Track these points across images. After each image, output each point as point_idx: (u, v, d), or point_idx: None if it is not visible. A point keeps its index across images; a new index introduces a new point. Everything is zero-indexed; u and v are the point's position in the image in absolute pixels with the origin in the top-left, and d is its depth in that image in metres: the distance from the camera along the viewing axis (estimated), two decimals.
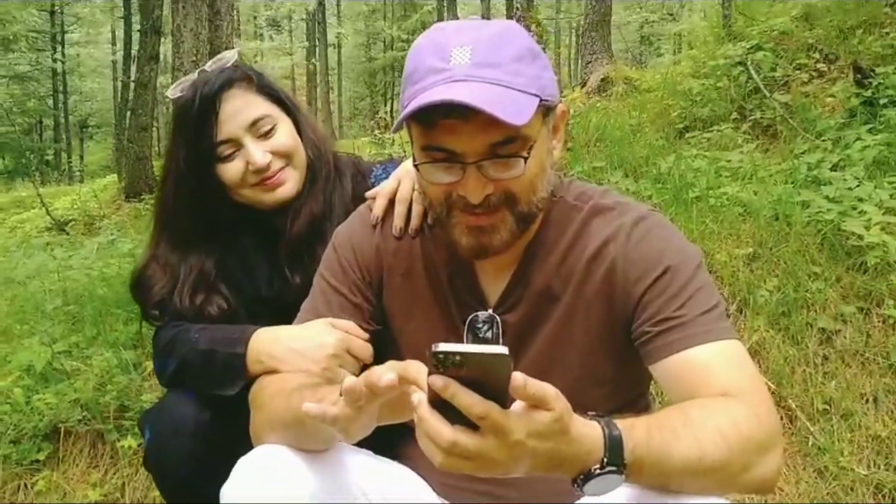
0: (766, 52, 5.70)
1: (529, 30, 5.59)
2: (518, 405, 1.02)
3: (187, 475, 1.86)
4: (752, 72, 5.53)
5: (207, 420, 1.86)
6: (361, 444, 1.45)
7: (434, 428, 1.01)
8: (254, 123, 1.90)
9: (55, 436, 3.25)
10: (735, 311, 3.23)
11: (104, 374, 3.38)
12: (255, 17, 40.14)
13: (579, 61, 13.08)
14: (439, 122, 1.27)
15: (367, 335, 1.60)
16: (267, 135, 1.92)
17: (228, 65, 1.97)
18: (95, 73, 36.87)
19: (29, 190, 14.68)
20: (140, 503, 3.06)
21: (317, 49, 33.58)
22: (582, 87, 10.13)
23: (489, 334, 1.50)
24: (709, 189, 4.01)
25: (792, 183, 3.96)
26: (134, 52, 15.58)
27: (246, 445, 1.42)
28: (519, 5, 6.09)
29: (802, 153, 4.44)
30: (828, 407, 2.85)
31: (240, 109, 1.90)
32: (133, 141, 12.52)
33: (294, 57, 38.39)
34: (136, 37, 15.65)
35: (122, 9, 19.46)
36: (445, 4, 16.67)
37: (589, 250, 1.45)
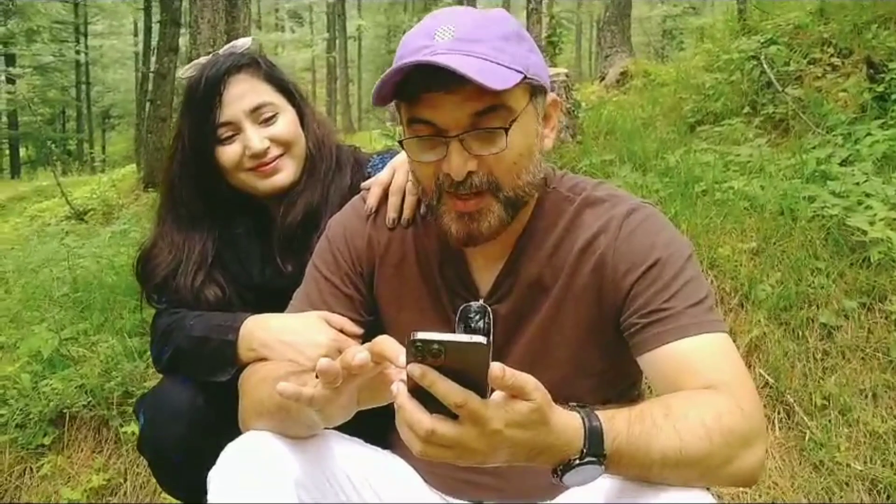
0: (780, 47, 5.66)
1: (539, 22, 5.60)
2: (497, 395, 1.03)
3: (180, 460, 1.88)
4: (766, 66, 5.49)
5: (201, 406, 1.88)
6: (353, 432, 1.49)
7: (413, 416, 1.02)
8: (255, 109, 1.93)
9: (61, 421, 3.31)
10: (736, 306, 3.22)
11: (109, 360, 3.43)
12: (276, 10, 40.28)
13: (599, 55, 13.04)
14: (422, 96, 1.30)
15: (360, 331, 1.61)
16: (268, 122, 1.94)
17: (240, 51, 2.00)
18: (118, 63, 37.14)
19: (50, 179, 14.82)
20: (142, 487, 3.10)
21: (337, 41, 33.60)
22: (601, 80, 10.12)
23: (480, 324, 1.51)
24: (715, 183, 3.99)
25: (799, 178, 3.94)
26: (154, 43, 15.66)
27: (238, 431, 1.44)
28: None
29: (812, 148, 4.40)
30: (826, 402, 2.83)
31: (243, 94, 1.93)
32: (152, 131, 12.57)
33: (315, 49, 38.45)
34: (156, 28, 15.72)
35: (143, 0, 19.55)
36: None
37: (580, 242, 1.46)
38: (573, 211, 1.48)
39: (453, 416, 1.02)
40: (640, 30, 28.12)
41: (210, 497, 1.32)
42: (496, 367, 1.00)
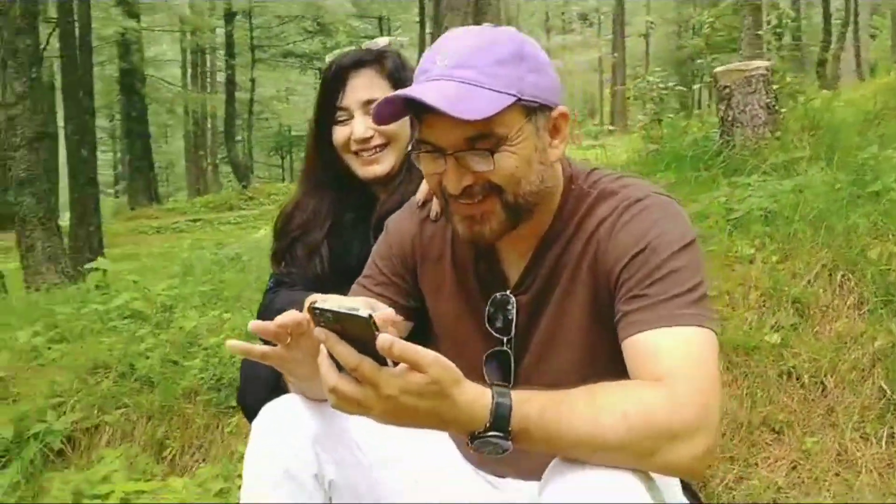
0: None
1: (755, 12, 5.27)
2: (401, 366, 1.15)
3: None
4: None
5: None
6: None
7: (324, 372, 1.19)
8: (367, 102, 2.17)
9: None
10: (869, 311, 3.02)
11: None
12: (563, 13, 40.74)
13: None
14: (425, 118, 1.41)
15: (401, 318, 1.70)
16: None
17: (376, 48, 2.29)
18: None
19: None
20: None
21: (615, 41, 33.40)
22: None
23: (512, 315, 1.61)
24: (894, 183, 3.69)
25: None
26: None
27: None
28: None
29: None
30: None
31: (361, 87, 2.21)
32: None
33: (603, 49, 38.45)
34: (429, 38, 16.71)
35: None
36: None
37: (588, 231, 1.52)
38: (588, 204, 1.54)
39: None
40: None
41: (248, 446, 1.62)
42: (384, 339, 1.10)
